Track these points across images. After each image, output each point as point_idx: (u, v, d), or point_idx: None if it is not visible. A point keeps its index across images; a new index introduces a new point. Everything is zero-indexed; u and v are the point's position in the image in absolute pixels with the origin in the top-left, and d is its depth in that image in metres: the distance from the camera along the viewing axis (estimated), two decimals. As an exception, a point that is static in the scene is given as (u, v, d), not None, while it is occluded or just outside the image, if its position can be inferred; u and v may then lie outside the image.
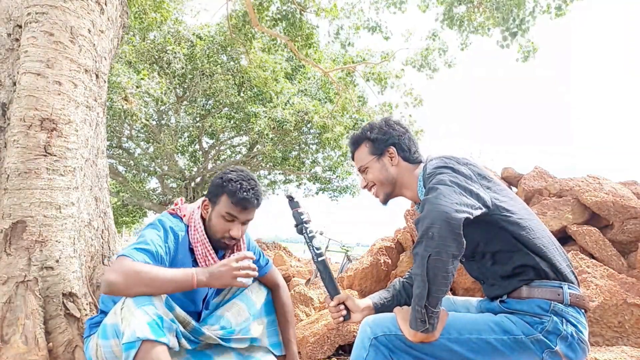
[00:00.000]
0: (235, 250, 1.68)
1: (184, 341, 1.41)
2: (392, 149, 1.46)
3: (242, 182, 1.54)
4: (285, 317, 1.75)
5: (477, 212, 1.17)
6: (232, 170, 1.59)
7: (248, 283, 1.44)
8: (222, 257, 1.63)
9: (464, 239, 1.10)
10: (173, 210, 1.62)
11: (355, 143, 1.52)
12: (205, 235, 1.57)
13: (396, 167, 1.46)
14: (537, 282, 1.22)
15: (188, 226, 1.58)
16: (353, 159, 1.56)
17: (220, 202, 1.55)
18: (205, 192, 1.67)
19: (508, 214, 1.25)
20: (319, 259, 1.48)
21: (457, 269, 1.24)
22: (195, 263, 1.58)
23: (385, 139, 1.47)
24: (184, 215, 1.60)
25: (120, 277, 1.27)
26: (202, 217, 1.61)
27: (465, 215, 1.11)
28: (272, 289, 1.79)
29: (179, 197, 1.68)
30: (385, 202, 1.51)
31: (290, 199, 1.56)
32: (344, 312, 1.43)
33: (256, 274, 1.46)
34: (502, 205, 1.25)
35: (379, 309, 1.48)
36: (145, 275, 1.30)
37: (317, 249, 1.49)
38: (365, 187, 1.51)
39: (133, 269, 1.30)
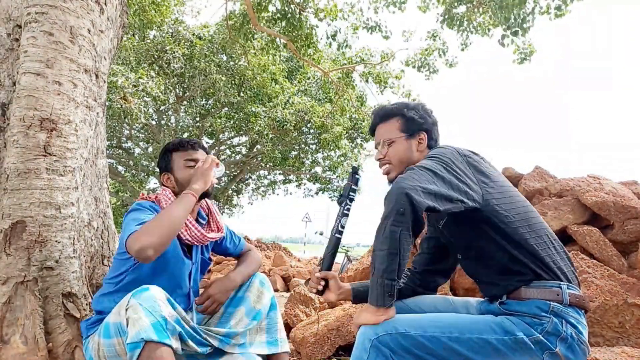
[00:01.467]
0: (211, 221, 1.78)
1: (190, 343, 1.41)
2: (424, 135, 1.45)
3: (179, 138, 1.77)
4: (247, 257, 1.85)
5: (449, 206, 1.17)
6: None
7: (221, 168, 1.67)
8: (202, 226, 1.72)
9: (423, 221, 1.16)
10: (142, 198, 1.68)
11: (386, 116, 1.48)
12: None
13: (420, 153, 1.44)
14: (535, 282, 1.22)
15: (160, 206, 1.64)
16: (373, 130, 1.51)
17: (174, 161, 1.69)
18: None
19: (504, 213, 1.24)
20: (337, 235, 1.49)
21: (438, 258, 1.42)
22: (178, 239, 1.61)
23: (420, 123, 1.45)
24: (156, 197, 1.67)
25: (143, 238, 1.32)
26: (173, 192, 1.67)
27: (428, 203, 1.12)
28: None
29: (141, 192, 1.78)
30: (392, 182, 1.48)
31: (354, 172, 1.53)
32: (320, 287, 1.48)
33: (218, 161, 1.65)
34: (497, 204, 1.24)
35: (357, 295, 1.51)
36: (159, 222, 1.38)
37: (342, 226, 1.50)
38: (381, 159, 1.47)
39: (144, 227, 1.36)
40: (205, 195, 1.65)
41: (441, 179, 1.18)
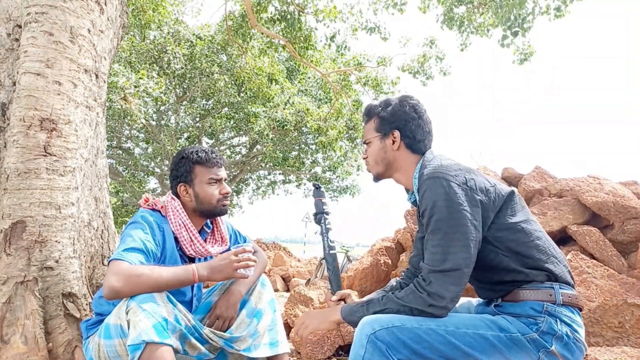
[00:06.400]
0: (215, 230, 1.74)
1: (193, 340, 1.41)
2: (397, 133, 1.42)
3: (203, 149, 1.65)
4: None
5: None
6: (184, 149, 1.68)
7: (249, 274, 1.49)
8: (205, 239, 1.69)
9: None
10: (148, 205, 1.63)
11: (367, 115, 1.51)
12: (189, 219, 1.61)
13: (396, 152, 1.44)
14: (529, 285, 1.24)
15: (167, 217, 1.61)
16: (364, 128, 1.57)
17: (197, 175, 1.62)
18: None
19: (498, 222, 1.26)
20: (331, 251, 1.53)
21: None
22: (181, 251, 1.61)
23: (391, 121, 1.43)
24: (162, 207, 1.62)
25: (123, 282, 1.30)
26: (183, 203, 1.63)
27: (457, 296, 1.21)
28: None
29: (144, 195, 1.71)
30: (375, 180, 1.52)
31: (317, 187, 1.58)
32: (338, 305, 1.48)
33: (255, 264, 1.51)
34: (493, 221, 1.26)
35: None
36: (148, 278, 1.33)
37: (331, 241, 1.54)
38: (365, 158, 1.52)
39: (134, 272, 1.32)
40: (212, 214, 1.65)
41: (464, 248, 1.19)
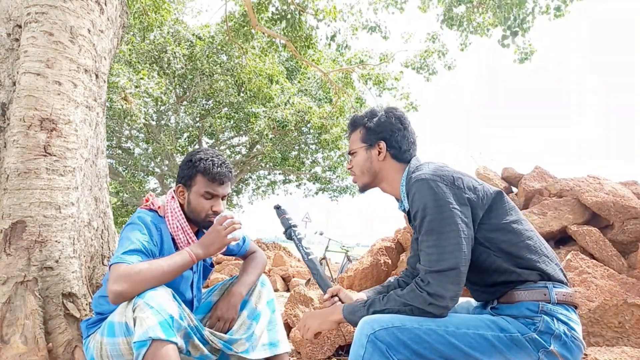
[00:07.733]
0: None
1: (196, 341, 1.41)
2: (382, 144, 1.44)
3: (213, 159, 1.59)
4: (251, 263, 1.80)
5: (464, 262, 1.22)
6: (199, 151, 1.64)
7: (238, 236, 1.53)
8: None
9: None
10: (146, 206, 1.63)
11: (353, 126, 1.52)
12: (186, 221, 1.60)
13: (382, 163, 1.45)
14: (523, 285, 1.24)
15: (164, 217, 1.61)
16: (349, 138, 1.57)
17: (196, 183, 1.59)
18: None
19: (489, 223, 1.27)
20: (309, 257, 1.58)
21: None
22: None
23: (378, 132, 1.45)
24: (159, 207, 1.62)
25: (124, 283, 1.31)
26: (180, 204, 1.63)
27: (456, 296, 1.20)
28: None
29: (147, 194, 1.70)
30: (362, 190, 1.54)
31: (277, 207, 1.69)
32: (336, 302, 1.49)
33: (241, 225, 1.54)
34: (483, 221, 1.27)
35: None
36: (147, 272, 1.34)
37: (307, 248, 1.60)
38: (349, 168, 1.53)
39: (133, 270, 1.33)
40: (197, 225, 1.64)
41: (457, 248, 1.19)
